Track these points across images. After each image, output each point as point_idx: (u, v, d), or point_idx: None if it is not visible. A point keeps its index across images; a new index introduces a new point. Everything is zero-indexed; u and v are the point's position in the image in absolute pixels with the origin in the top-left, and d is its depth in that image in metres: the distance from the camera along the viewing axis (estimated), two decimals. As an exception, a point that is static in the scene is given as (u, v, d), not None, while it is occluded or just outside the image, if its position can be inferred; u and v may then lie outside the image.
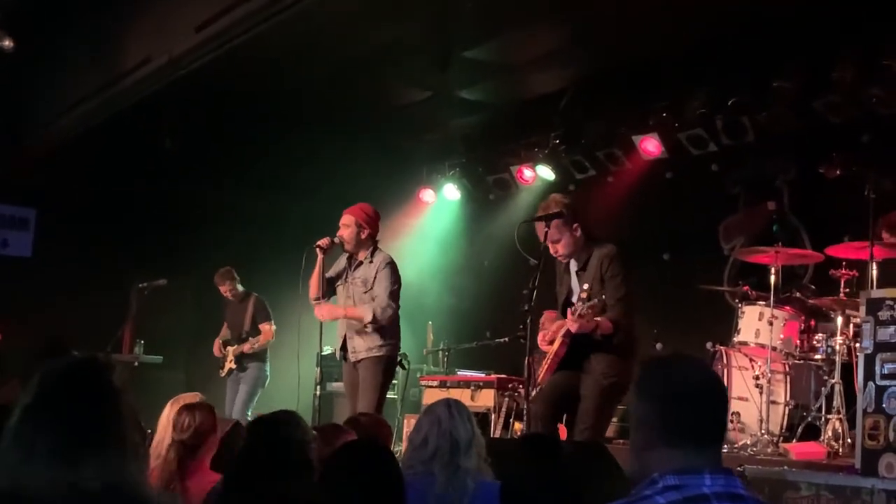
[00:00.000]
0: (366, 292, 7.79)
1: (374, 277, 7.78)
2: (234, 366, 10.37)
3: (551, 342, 6.72)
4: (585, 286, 6.51)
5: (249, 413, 10.00)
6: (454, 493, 4.22)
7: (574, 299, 6.61)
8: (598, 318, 6.41)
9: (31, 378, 2.41)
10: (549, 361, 6.75)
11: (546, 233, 6.67)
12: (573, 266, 6.84)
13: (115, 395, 2.40)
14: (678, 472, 2.46)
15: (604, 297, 6.40)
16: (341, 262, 8.02)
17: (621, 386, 6.43)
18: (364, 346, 7.74)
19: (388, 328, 7.78)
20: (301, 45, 9.02)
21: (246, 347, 10.30)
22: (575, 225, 6.67)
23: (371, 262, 7.86)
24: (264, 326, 10.38)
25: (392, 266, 7.86)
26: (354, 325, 7.77)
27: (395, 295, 7.80)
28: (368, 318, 7.69)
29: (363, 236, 7.86)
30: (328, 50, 9.33)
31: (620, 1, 8.50)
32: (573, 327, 6.39)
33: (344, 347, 7.86)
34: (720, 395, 2.65)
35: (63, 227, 11.22)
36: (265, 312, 10.43)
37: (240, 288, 10.56)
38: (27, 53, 9.69)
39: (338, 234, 7.84)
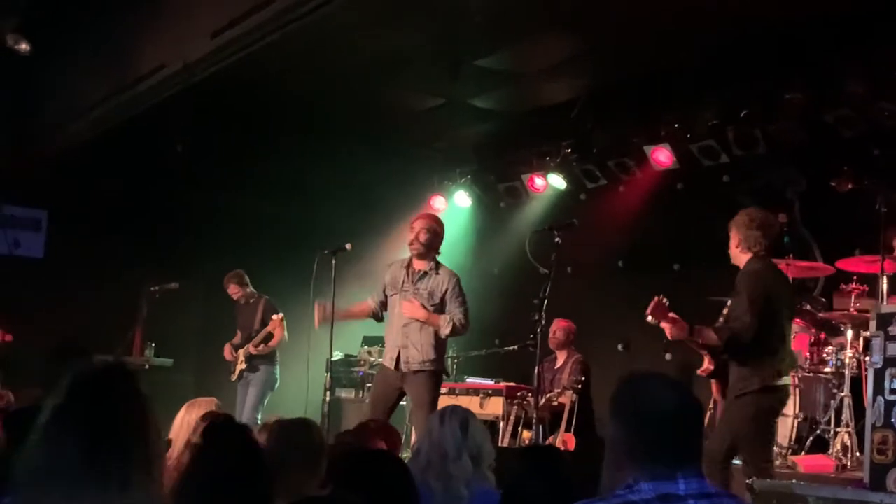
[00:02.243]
0: (432, 305, 7.63)
1: (445, 292, 7.63)
2: (244, 366, 10.35)
3: None
4: (728, 303, 6.50)
5: (259, 417, 10.01)
6: (449, 501, 4.24)
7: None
8: (701, 327, 6.42)
9: (52, 378, 2.45)
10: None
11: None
12: None
13: (143, 401, 2.44)
14: (651, 479, 2.49)
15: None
16: (397, 273, 7.80)
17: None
18: (419, 359, 7.57)
19: (441, 343, 7.67)
20: (314, 53, 9.06)
21: (251, 348, 10.26)
22: (737, 236, 6.41)
23: (437, 274, 7.69)
24: (274, 322, 10.37)
25: (460, 282, 7.75)
26: (413, 337, 7.60)
27: (468, 310, 7.71)
28: (447, 331, 7.58)
29: (437, 243, 7.74)
30: (341, 57, 9.36)
31: (633, 11, 8.51)
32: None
33: (396, 356, 7.67)
34: (691, 417, 2.63)
35: (75, 229, 11.24)
36: (274, 312, 10.42)
37: (249, 290, 10.56)
38: (42, 56, 9.75)
39: (414, 238, 7.68)
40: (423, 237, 7.64)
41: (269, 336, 10.26)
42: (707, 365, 6.63)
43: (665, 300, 6.30)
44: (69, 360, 2.57)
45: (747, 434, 6.11)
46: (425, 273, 7.69)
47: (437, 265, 7.72)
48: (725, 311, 6.44)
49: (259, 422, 9.66)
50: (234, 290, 10.55)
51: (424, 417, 7.32)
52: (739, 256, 6.32)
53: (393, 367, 7.63)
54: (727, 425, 6.26)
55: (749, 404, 6.08)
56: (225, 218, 11.69)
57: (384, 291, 7.84)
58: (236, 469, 3.12)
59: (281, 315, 10.18)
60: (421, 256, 7.70)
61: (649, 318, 6.32)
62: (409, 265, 7.77)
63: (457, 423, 4.47)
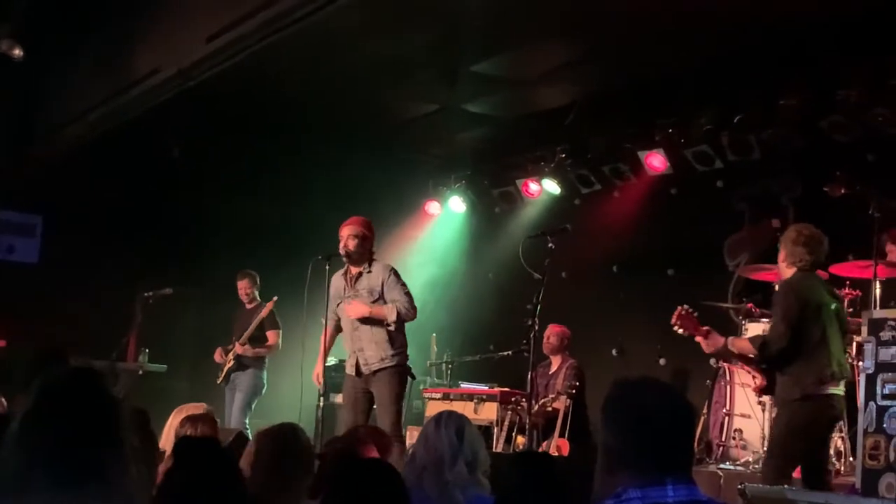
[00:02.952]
0: (374, 301, 7.76)
1: (382, 285, 7.77)
2: (231, 365, 10.31)
3: None
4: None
5: (248, 421, 9.99)
6: None
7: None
8: (735, 339, 6.45)
9: (31, 385, 2.47)
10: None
11: None
12: None
13: (112, 404, 2.44)
14: (640, 486, 2.49)
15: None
16: (338, 283, 7.94)
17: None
18: (377, 357, 7.67)
19: (397, 337, 7.75)
20: (309, 58, 9.06)
21: (238, 346, 10.22)
22: (784, 252, 6.40)
23: (370, 271, 7.84)
24: (271, 334, 10.33)
25: (396, 271, 7.89)
26: (366, 337, 7.71)
27: (411, 295, 7.83)
28: (392, 317, 7.66)
29: (368, 246, 7.86)
30: (336, 62, 9.36)
31: (628, 18, 8.52)
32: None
33: (355, 362, 7.77)
34: (682, 422, 2.64)
35: (69, 234, 11.23)
36: (275, 321, 10.39)
37: (256, 293, 10.54)
38: (37, 61, 9.76)
39: (343, 246, 7.80)
40: (351, 245, 7.76)
41: (259, 338, 10.26)
42: (760, 382, 6.64)
43: (693, 312, 6.31)
44: (47, 367, 2.59)
45: (785, 444, 6.07)
46: (361, 274, 7.84)
47: (371, 262, 7.87)
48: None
49: (248, 426, 9.66)
50: (243, 287, 10.49)
51: (388, 415, 7.43)
52: (785, 271, 6.34)
53: (354, 374, 7.76)
54: (773, 440, 6.28)
55: (786, 414, 6.08)
56: (220, 223, 11.68)
57: (336, 307, 7.94)
58: (207, 487, 3.12)
59: (280, 338, 10.26)
60: (354, 262, 7.83)
61: (678, 330, 6.34)
62: (347, 272, 7.93)
63: (453, 428, 4.47)
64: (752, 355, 6.30)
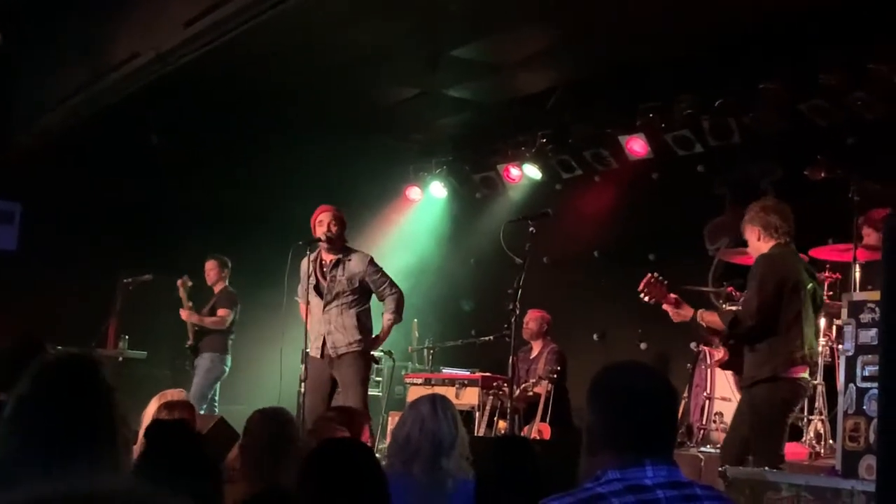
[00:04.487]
0: (352, 289, 7.83)
1: (365, 273, 7.85)
2: (191, 341, 10.25)
3: None
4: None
5: (215, 407, 9.94)
6: (434, 494, 4.22)
7: None
8: (704, 312, 6.35)
9: (4, 374, 2.45)
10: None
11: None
12: None
13: (108, 391, 2.44)
14: (619, 468, 2.50)
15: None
16: (305, 267, 7.97)
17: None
18: (345, 342, 7.78)
19: (365, 323, 7.89)
20: (288, 44, 9.03)
21: (183, 314, 10.13)
22: (755, 228, 6.31)
23: (350, 259, 7.89)
24: (220, 310, 10.26)
25: (374, 261, 8.00)
26: (335, 321, 7.80)
27: (393, 280, 8.02)
28: (400, 319, 8.02)
29: (343, 233, 7.93)
30: (316, 48, 9.33)
31: (609, 2, 8.52)
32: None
33: (321, 344, 7.85)
34: (663, 404, 2.66)
35: (49, 222, 11.17)
36: (227, 301, 10.33)
37: (222, 277, 10.47)
38: (14, 47, 9.68)
39: (325, 231, 7.81)
40: (333, 228, 7.81)
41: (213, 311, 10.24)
42: (722, 355, 6.58)
43: (662, 278, 6.23)
44: (24, 357, 2.58)
45: (754, 425, 6.05)
46: (339, 261, 7.88)
47: (348, 250, 7.94)
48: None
49: (216, 411, 9.62)
50: (209, 268, 10.45)
51: (353, 396, 7.50)
52: (762, 246, 6.22)
53: (319, 356, 7.81)
54: (738, 418, 6.24)
55: (756, 394, 6.03)
56: (200, 210, 11.63)
57: (305, 289, 7.99)
58: (178, 467, 3.11)
59: (230, 317, 10.20)
60: (332, 248, 7.87)
61: (645, 298, 6.26)
62: (318, 258, 7.95)
63: (450, 414, 4.43)
64: (720, 329, 6.25)
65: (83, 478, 1.16)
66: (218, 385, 10.31)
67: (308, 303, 7.98)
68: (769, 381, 6.00)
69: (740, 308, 6.19)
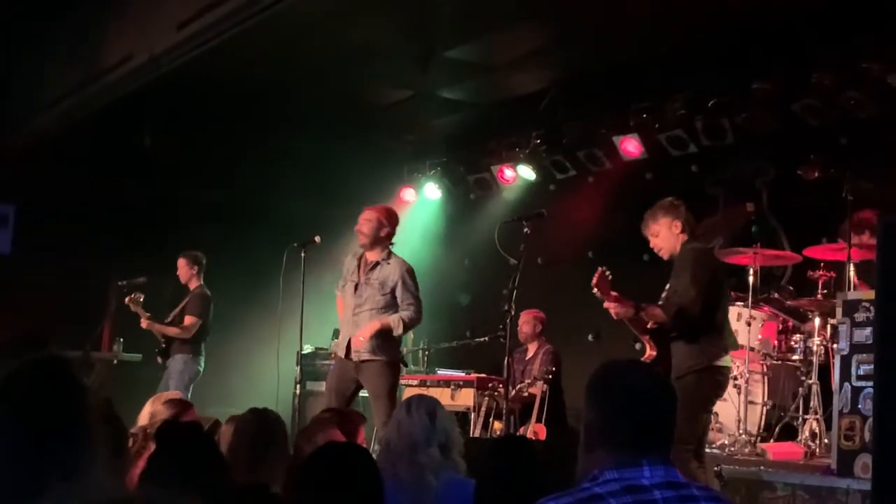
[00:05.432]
0: (383, 295, 7.63)
1: (397, 282, 7.64)
2: (162, 344, 10.13)
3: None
4: (667, 286, 6.48)
5: None
6: (418, 490, 4.24)
7: None
8: (646, 305, 6.35)
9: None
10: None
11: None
12: None
13: (79, 392, 2.42)
14: (617, 467, 2.51)
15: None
16: (350, 264, 7.86)
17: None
18: (368, 348, 7.56)
19: (390, 333, 7.65)
20: (282, 45, 9.02)
21: (143, 323, 9.91)
22: (675, 222, 6.47)
23: (389, 263, 7.70)
24: (187, 318, 10.05)
25: (412, 272, 7.76)
26: (363, 325, 7.58)
27: (420, 300, 7.72)
28: (399, 330, 7.62)
29: (382, 234, 7.73)
30: (309, 49, 9.33)
31: (602, 2, 8.52)
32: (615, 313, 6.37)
33: (347, 345, 7.68)
34: (661, 403, 2.66)
35: (43, 224, 11.13)
36: (196, 306, 10.11)
37: (193, 275, 10.33)
38: (7, 48, 9.67)
39: (356, 228, 7.73)
40: (365, 228, 7.69)
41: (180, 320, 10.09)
42: (650, 351, 6.58)
43: (608, 273, 6.28)
44: (24, 354, 2.57)
45: (684, 409, 6.06)
46: (377, 263, 7.72)
47: (389, 255, 7.76)
48: (665, 294, 6.43)
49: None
50: (180, 266, 10.30)
51: (382, 408, 7.33)
52: (677, 241, 6.35)
53: (344, 356, 7.65)
54: (691, 408, 6.25)
55: (690, 382, 6.03)
56: (194, 211, 11.61)
57: (342, 286, 7.88)
58: (193, 469, 3.11)
59: (195, 323, 9.98)
60: (369, 247, 7.73)
61: (595, 292, 6.32)
62: (363, 256, 7.81)
63: (424, 411, 4.47)
64: (663, 322, 6.26)
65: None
66: (191, 387, 10.19)
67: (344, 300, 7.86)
68: (705, 371, 6.06)
69: (680, 300, 6.20)
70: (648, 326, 6.39)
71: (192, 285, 10.26)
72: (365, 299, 7.67)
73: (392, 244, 7.83)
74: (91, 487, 2.28)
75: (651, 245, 6.60)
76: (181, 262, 10.26)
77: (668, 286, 6.39)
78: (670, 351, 6.24)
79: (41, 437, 2.29)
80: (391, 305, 7.65)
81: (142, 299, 9.87)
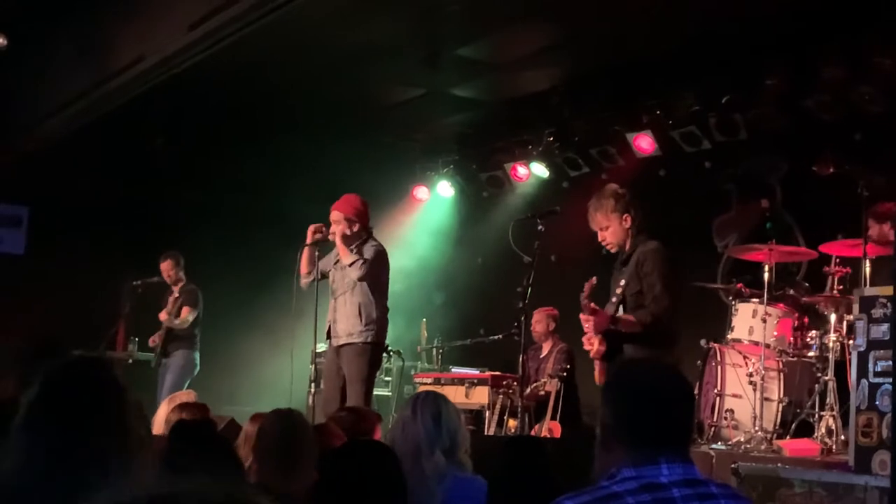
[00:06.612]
0: (353, 262, 7.76)
1: (364, 264, 7.76)
2: (158, 342, 10.26)
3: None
4: (622, 283, 6.46)
5: None
6: (422, 497, 4.18)
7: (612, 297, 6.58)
8: (622, 316, 6.36)
9: (29, 376, 2.44)
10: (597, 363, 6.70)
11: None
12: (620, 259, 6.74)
13: (119, 393, 2.43)
14: (634, 465, 2.50)
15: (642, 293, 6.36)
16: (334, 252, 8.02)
17: None
18: (345, 331, 7.67)
19: (369, 313, 7.73)
20: (293, 45, 9.03)
21: (163, 316, 10.22)
22: (625, 215, 6.48)
23: (360, 252, 7.85)
24: (184, 310, 10.29)
25: (380, 255, 7.86)
26: (341, 309, 7.72)
27: (383, 286, 7.83)
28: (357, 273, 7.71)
29: (354, 229, 7.83)
30: (320, 49, 9.33)
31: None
32: (589, 326, 6.37)
33: (328, 329, 7.81)
34: (683, 402, 2.67)
35: (56, 225, 11.18)
36: (190, 299, 10.36)
37: (181, 274, 10.48)
38: (18, 50, 9.67)
39: (329, 233, 7.81)
40: (335, 229, 7.81)
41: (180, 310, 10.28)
42: (599, 346, 6.56)
43: (593, 287, 6.31)
44: (44, 359, 2.59)
45: None
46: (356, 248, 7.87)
47: (364, 243, 7.86)
48: (619, 290, 6.41)
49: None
50: (164, 268, 10.45)
51: (356, 394, 7.36)
52: (628, 235, 6.46)
53: (326, 338, 7.79)
54: None
55: None
56: (206, 212, 11.64)
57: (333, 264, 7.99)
58: (204, 468, 3.10)
59: (192, 316, 10.26)
60: (348, 243, 7.82)
61: (585, 304, 6.37)
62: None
63: (428, 414, 4.33)
64: (637, 331, 6.28)
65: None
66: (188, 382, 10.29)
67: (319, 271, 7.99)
68: None
69: (654, 309, 6.23)
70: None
71: (181, 283, 10.38)
72: (338, 285, 7.84)
73: (370, 230, 7.98)
74: (131, 485, 2.28)
75: (599, 238, 6.63)
76: (168, 265, 10.47)
77: (622, 282, 6.39)
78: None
79: (83, 436, 2.30)
80: (365, 286, 7.75)
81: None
